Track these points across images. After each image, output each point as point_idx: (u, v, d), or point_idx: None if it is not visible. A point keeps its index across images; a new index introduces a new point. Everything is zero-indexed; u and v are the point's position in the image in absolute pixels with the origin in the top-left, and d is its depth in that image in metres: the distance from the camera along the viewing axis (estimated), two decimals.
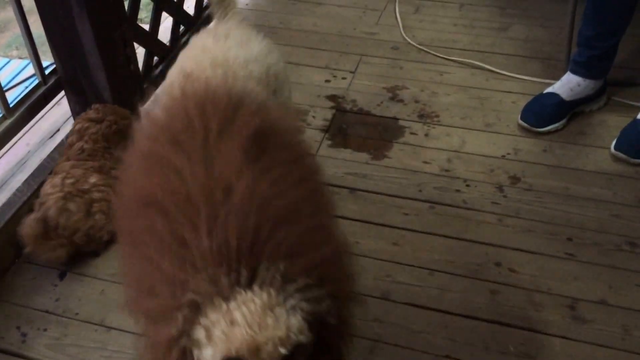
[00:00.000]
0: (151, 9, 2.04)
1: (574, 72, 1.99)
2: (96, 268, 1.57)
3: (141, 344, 0.86)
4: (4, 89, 1.63)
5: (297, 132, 1.05)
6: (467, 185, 1.79)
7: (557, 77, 2.05)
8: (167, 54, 2.11)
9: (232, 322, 0.74)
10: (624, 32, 1.90)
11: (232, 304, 0.75)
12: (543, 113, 1.96)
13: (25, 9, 1.63)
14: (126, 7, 1.84)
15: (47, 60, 1.81)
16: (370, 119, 2.06)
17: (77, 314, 1.46)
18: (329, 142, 1.96)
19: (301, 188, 0.89)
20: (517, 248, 1.60)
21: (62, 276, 1.55)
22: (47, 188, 1.57)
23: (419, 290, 1.50)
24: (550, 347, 1.37)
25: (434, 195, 1.76)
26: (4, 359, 1.37)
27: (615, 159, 1.86)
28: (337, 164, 1.87)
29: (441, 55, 2.34)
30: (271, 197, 0.83)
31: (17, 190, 1.65)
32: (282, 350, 0.74)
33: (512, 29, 2.50)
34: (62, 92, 1.84)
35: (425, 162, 1.87)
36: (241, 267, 0.77)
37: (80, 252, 1.57)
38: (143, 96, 2.00)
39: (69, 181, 1.55)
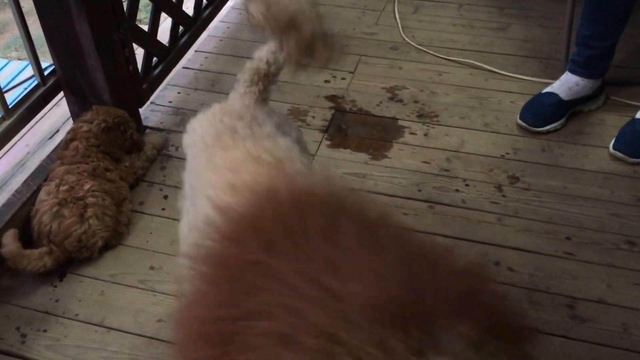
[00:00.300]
0: (150, 10, 2.04)
1: (572, 71, 1.99)
2: (96, 269, 1.57)
3: None
4: (3, 90, 1.63)
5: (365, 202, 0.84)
6: (467, 185, 1.79)
7: (555, 77, 2.06)
8: (166, 55, 2.11)
9: None
10: (622, 31, 1.90)
11: None
12: (542, 113, 1.96)
13: (24, 10, 1.63)
14: (125, 8, 1.84)
15: (46, 62, 1.80)
16: (369, 119, 2.06)
17: (76, 314, 1.47)
18: (328, 142, 1.97)
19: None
20: (516, 247, 1.60)
21: (61, 277, 1.55)
22: (41, 195, 1.58)
23: None
24: (549, 346, 1.37)
25: (433, 195, 1.76)
26: None
27: (614, 158, 1.86)
28: (336, 164, 1.88)
29: (440, 55, 2.34)
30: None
31: (17, 191, 1.65)
32: None
33: (511, 29, 2.50)
34: (61, 93, 1.84)
35: (425, 162, 1.88)
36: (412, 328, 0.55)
37: (72, 260, 1.57)
38: (141, 97, 2.00)
39: (63, 188, 1.56)
